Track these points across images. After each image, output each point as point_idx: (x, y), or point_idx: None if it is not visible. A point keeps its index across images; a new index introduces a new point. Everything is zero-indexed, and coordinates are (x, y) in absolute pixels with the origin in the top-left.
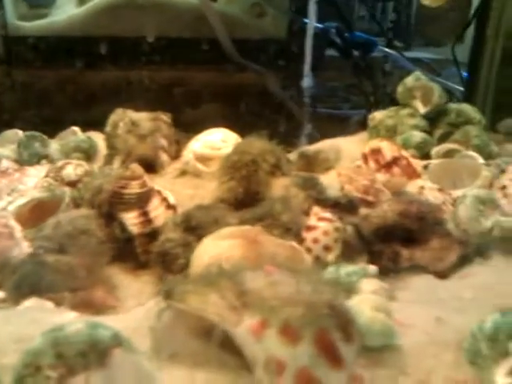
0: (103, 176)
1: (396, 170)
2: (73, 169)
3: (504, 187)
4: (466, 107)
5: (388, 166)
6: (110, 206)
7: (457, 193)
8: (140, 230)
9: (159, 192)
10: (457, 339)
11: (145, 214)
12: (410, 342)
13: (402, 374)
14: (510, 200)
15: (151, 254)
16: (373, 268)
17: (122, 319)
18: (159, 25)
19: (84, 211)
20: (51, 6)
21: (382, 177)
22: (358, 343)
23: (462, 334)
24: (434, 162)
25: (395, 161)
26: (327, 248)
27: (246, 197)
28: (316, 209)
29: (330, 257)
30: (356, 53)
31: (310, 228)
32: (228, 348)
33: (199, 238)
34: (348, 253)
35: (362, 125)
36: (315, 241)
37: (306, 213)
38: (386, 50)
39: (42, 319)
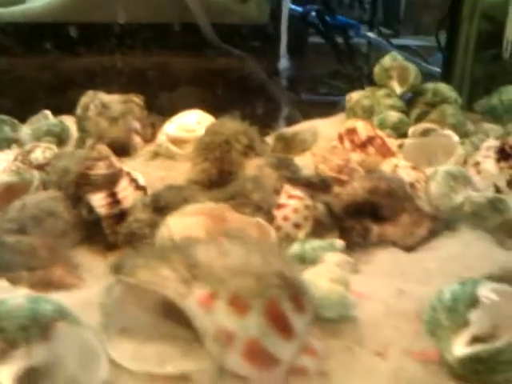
0: (69, 158)
1: (371, 149)
2: (41, 152)
3: (477, 164)
4: (443, 86)
5: (363, 146)
6: (76, 188)
7: (431, 170)
8: (108, 211)
9: (128, 173)
10: (417, 310)
11: (112, 195)
12: (368, 313)
13: (359, 345)
14: (484, 176)
15: (119, 235)
16: (340, 242)
17: (75, 295)
18: (138, 10)
19: (51, 193)
20: None
21: (356, 156)
22: (310, 314)
23: (424, 305)
24: (408, 140)
25: (370, 140)
26: (297, 225)
27: (219, 178)
28: (287, 187)
29: (300, 234)
30: (339, 38)
31: (280, 206)
32: (180, 321)
33: None
34: (319, 230)
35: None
36: (285, 218)
37: (279, 192)
38: (370, 35)
39: None
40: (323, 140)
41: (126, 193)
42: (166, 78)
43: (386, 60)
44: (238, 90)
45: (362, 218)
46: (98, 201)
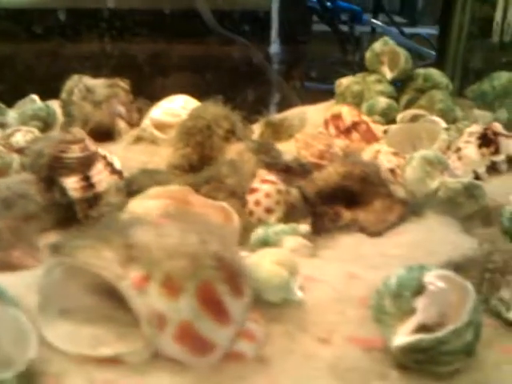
0: (45, 141)
1: (355, 135)
2: (22, 135)
3: (459, 149)
4: (433, 72)
5: (347, 132)
6: (50, 171)
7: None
8: (81, 194)
9: (104, 157)
10: (367, 296)
11: (86, 178)
12: (314, 297)
13: (301, 331)
14: (464, 162)
15: (91, 218)
16: (304, 227)
17: (23, 275)
18: None
19: (23, 176)
20: None
21: (340, 142)
22: (248, 297)
23: (373, 290)
24: (393, 126)
25: (355, 126)
26: (269, 210)
27: (200, 163)
28: (261, 171)
29: (272, 219)
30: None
31: (252, 190)
32: (120, 303)
33: None
34: (291, 215)
35: None
36: (257, 203)
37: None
38: (376, 22)
39: None
40: (311, 126)
41: (100, 176)
42: (161, 63)
43: (377, 45)
44: (235, 77)
45: (335, 203)
46: (72, 184)
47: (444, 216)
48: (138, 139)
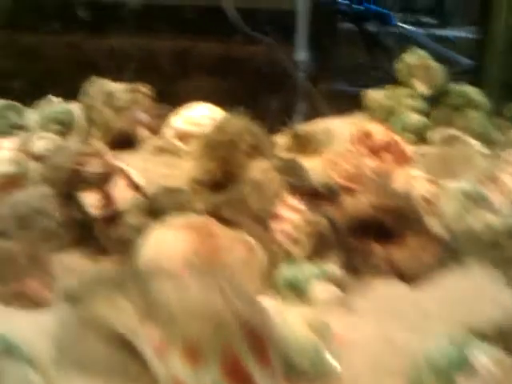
0: (63, 153)
1: (386, 155)
2: (42, 142)
3: (497, 178)
4: (469, 89)
5: (378, 152)
6: (68, 185)
7: (447, 184)
8: (100, 212)
9: (124, 171)
10: (404, 364)
11: (106, 195)
12: (348, 365)
13: None
14: (502, 191)
15: (110, 240)
16: (334, 269)
17: (32, 317)
18: None
19: (42, 190)
20: None
21: (370, 163)
22: (276, 366)
23: (412, 358)
24: (427, 148)
25: (386, 146)
26: (296, 241)
27: (222, 178)
28: (287, 197)
29: (299, 251)
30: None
31: (277, 218)
32: (137, 354)
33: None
34: (318, 247)
35: None
36: (283, 233)
37: (280, 199)
38: (404, 25)
39: None
40: (338, 141)
41: (120, 193)
42: (186, 64)
43: (410, 57)
44: (259, 79)
45: (366, 236)
46: (91, 200)
47: (484, 261)
48: (159, 150)
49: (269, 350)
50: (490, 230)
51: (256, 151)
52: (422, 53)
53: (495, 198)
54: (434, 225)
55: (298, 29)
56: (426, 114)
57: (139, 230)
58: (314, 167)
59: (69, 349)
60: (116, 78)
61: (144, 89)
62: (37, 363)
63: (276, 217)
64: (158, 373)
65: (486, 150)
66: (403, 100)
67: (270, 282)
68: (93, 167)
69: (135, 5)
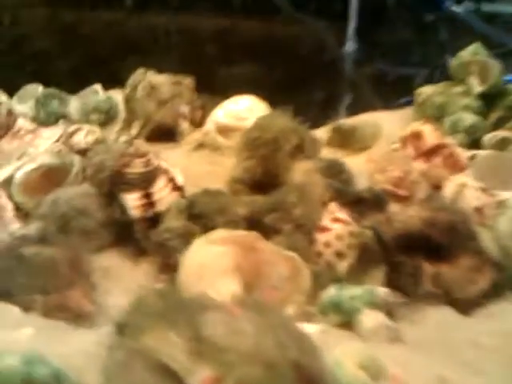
0: (106, 152)
1: (437, 159)
2: (83, 136)
3: None
4: None
5: (428, 155)
6: (111, 185)
7: (504, 195)
8: (141, 213)
9: (166, 171)
10: None
11: (148, 195)
12: None
13: None
14: None
15: (150, 241)
16: (383, 291)
17: (77, 338)
18: None
19: (84, 189)
20: None
21: (419, 166)
22: None
23: None
24: (482, 153)
25: (437, 149)
26: (339, 255)
27: (264, 178)
28: (332, 206)
29: (343, 264)
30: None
31: (322, 229)
32: None
33: (203, 227)
34: (364, 261)
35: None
36: (327, 245)
37: (325, 204)
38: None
39: None
40: (385, 138)
41: (161, 194)
42: (229, 47)
43: (466, 53)
44: (305, 65)
45: (414, 252)
46: (132, 201)
47: None
48: (200, 145)
49: None
50: None
51: (299, 152)
52: (479, 48)
53: None
54: (487, 243)
55: (348, 12)
56: (482, 115)
57: (179, 235)
58: (358, 167)
59: (117, 379)
60: (157, 57)
61: (187, 81)
62: None
63: (321, 229)
64: None
65: None
66: (456, 98)
67: (314, 301)
68: (136, 168)
69: None
